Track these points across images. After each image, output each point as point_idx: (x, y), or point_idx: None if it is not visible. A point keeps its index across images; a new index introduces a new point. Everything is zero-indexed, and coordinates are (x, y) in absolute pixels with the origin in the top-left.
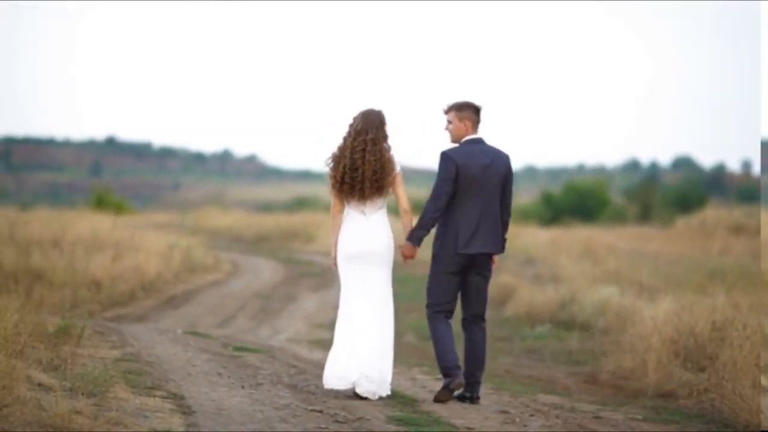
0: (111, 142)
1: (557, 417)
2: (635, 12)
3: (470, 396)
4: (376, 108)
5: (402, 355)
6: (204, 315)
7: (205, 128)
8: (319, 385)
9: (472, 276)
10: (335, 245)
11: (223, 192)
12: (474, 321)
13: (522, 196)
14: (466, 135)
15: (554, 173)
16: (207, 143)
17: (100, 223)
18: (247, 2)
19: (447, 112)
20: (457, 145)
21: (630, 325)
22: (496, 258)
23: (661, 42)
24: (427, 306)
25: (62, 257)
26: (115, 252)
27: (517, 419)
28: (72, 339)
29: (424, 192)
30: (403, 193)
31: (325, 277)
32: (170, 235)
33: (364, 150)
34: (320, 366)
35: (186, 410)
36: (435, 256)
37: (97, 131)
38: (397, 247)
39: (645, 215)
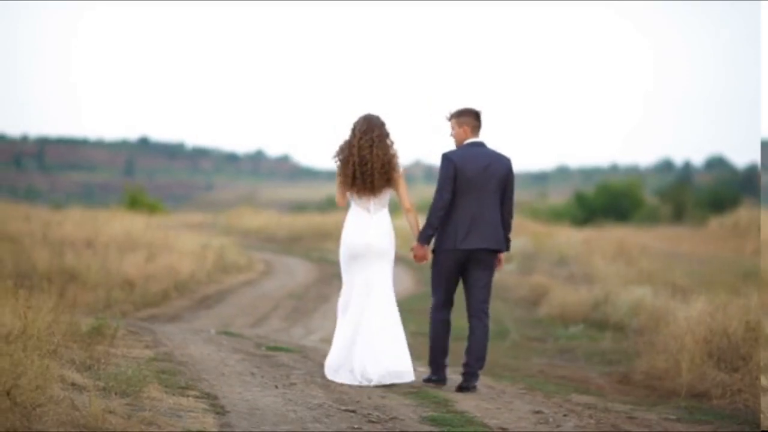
0: (144, 143)
1: (591, 417)
2: (672, 12)
3: (466, 386)
4: (374, 113)
5: None
6: (237, 315)
7: (238, 128)
8: (353, 385)
9: (472, 271)
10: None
11: (255, 192)
12: (476, 315)
13: (555, 197)
14: (467, 139)
15: (587, 173)
16: (240, 143)
17: (134, 223)
18: (281, 2)
19: (449, 119)
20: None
21: (663, 326)
22: (501, 256)
23: (695, 41)
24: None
25: (96, 257)
26: (148, 252)
27: (551, 419)
28: (105, 339)
29: None
30: (405, 192)
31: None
32: (203, 235)
33: (371, 146)
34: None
35: (219, 410)
36: (435, 252)
37: (131, 131)
38: (410, 249)
39: (678, 215)
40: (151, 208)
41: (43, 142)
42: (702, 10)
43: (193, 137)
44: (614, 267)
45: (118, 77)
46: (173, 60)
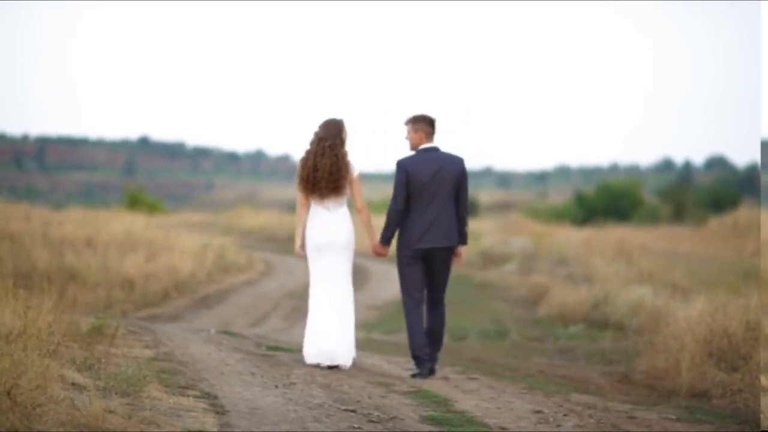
0: (144, 142)
1: (591, 417)
2: (672, 12)
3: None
4: (337, 118)
5: None
6: (237, 314)
7: (238, 128)
8: (353, 385)
9: (432, 268)
10: (301, 236)
11: (256, 192)
12: (433, 305)
13: (555, 196)
14: (421, 144)
15: (587, 173)
16: (240, 143)
17: (134, 222)
18: (281, 2)
19: (406, 124)
20: (413, 152)
21: (663, 325)
22: (460, 250)
23: (695, 41)
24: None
25: (96, 257)
26: (148, 252)
27: (551, 419)
28: (106, 338)
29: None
30: (359, 194)
31: (359, 277)
32: (203, 234)
33: (323, 155)
34: (354, 365)
35: (219, 410)
36: (397, 251)
37: (131, 131)
38: (370, 246)
39: (678, 215)
40: (152, 208)
41: (44, 142)
42: (702, 10)
43: (193, 137)
44: (614, 267)
45: (119, 77)
46: (173, 60)
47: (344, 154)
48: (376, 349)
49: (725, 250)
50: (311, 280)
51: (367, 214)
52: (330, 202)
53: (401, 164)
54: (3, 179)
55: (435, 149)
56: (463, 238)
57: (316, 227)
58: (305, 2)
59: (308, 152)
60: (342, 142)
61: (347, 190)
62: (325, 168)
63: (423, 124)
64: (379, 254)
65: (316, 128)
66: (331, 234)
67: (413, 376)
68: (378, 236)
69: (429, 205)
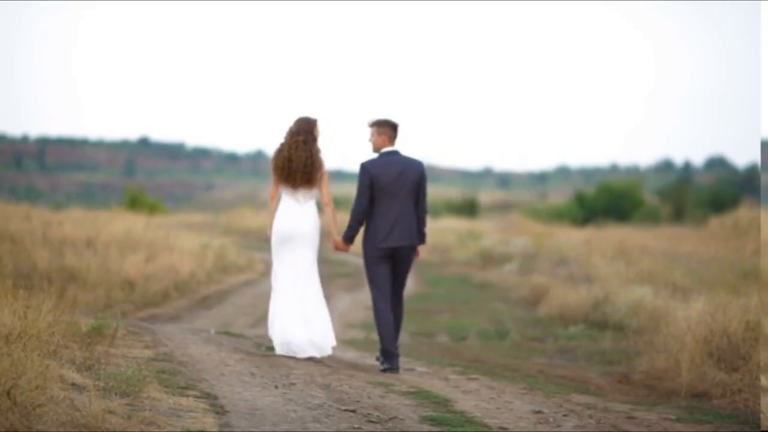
0: (144, 143)
1: (590, 417)
2: (672, 12)
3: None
4: (311, 117)
5: (435, 354)
6: (237, 315)
7: (238, 128)
8: (353, 385)
9: (395, 264)
10: (272, 226)
11: (256, 192)
12: (393, 301)
13: (555, 197)
14: (384, 147)
15: (587, 173)
16: (240, 143)
17: (134, 223)
18: (281, 2)
19: (370, 126)
20: (376, 155)
21: (663, 325)
22: (419, 248)
23: (695, 41)
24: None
25: (96, 257)
26: (148, 252)
27: (551, 419)
28: (105, 339)
29: (455, 191)
30: (326, 189)
31: (359, 278)
32: (203, 235)
33: (296, 148)
34: (354, 366)
35: (219, 410)
36: (363, 250)
37: (131, 131)
38: (332, 240)
39: (678, 215)
40: (152, 208)
41: (44, 142)
42: (702, 10)
43: (193, 137)
44: (614, 267)
45: (119, 77)
46: (173, 60)
47: (317, 150)
48: (375, 349)
49: (725, 250)
50: (274, 267)
51: (332, 210)
52: (301, 194)
53: (365, 167)
54: (3, 180)
55: (396, 152)
56: (422, 237)
57: (285, 217)
58: (306, 3)
59: (282, 144)
60: (314, 139)
61: (316, 183)
62: (300, 160)
63: (387, 128)
64: (340, 250)
65: (290, 124)
66: (299, 224)
67: (383, 370)
68: (342, 232)
69: (392, 206)
